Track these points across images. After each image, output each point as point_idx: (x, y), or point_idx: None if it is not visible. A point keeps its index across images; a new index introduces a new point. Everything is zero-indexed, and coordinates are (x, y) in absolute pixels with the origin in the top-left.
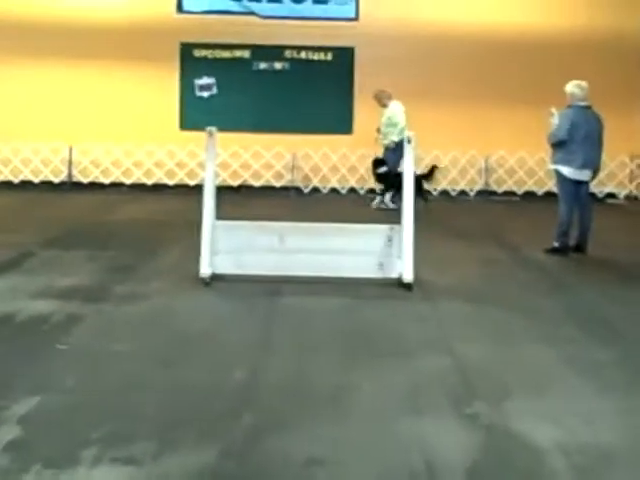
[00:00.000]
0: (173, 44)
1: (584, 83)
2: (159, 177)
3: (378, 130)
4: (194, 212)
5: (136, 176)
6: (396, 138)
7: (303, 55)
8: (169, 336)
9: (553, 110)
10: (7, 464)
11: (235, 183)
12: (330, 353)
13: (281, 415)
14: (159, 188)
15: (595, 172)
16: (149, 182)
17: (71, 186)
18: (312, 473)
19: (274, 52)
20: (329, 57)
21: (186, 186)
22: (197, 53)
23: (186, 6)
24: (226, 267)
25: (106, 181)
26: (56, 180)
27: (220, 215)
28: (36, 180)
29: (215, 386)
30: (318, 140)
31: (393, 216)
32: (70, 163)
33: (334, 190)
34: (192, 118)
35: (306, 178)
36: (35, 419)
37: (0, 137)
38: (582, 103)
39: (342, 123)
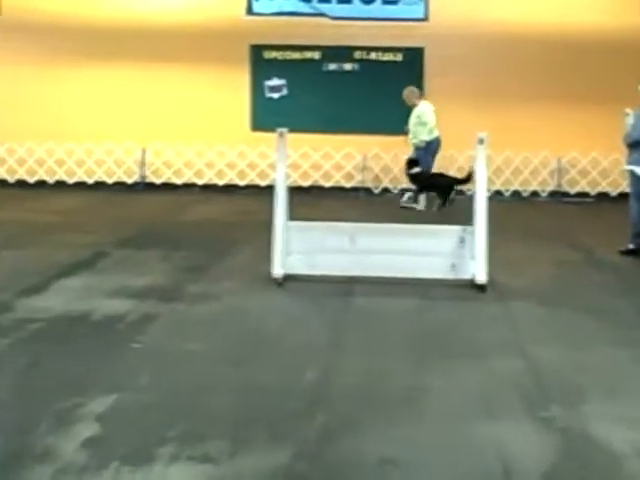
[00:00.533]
0: (243, 46)
1: None
2: (230, 178)
3: (406, 130)
4: (265, 213)
5: (208, 177)
6: (427, 137)
7: (373, 56)
8: (242, 336)
9: (628, 110)
10: (85, 460)
11: (305, 184)
12: (402, 354)
13: (354, 416)
14: (230, 189)
15: None
16: (220, 183)
17: (144, 187)
18: (386, 474)
19: (344, 53)
20: (399, 58)
21: (257, 187)
22: (267, 55)
23: (256, 8)
24: (298, 267)
25: (178, 182)
26: (129, 181)
27: (291, 216)
28: (110, 181)
29: (287, 386)
30: (388, 141)
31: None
32: (143, 164)
33: (404, 191)
34: (263, 119)
35: (376, 179)
36: (112, 417)
37: (74, 138)
38: None
39: None
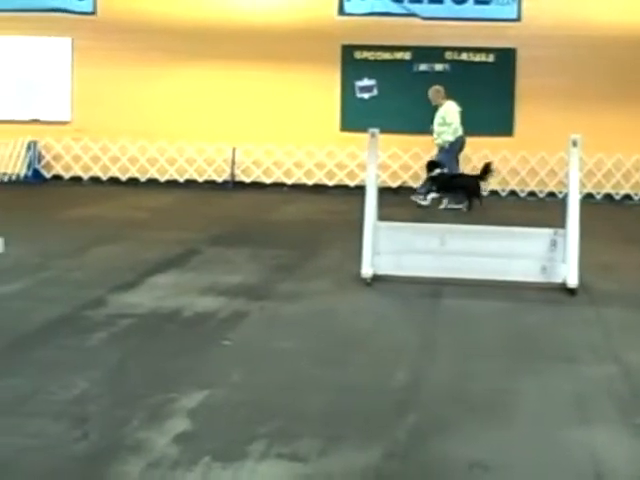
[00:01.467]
0: (334, 46)
1: None
2: (319, 178)
3: (431, 130)
4: (353, 212)
5: (297, 176)
6: (451, 137)
7: (464, 56)
8: (331, 335)
9: None
10: (177, 455)
11: (394, 184)
12: (492, 357)
13: (444, 417)
14: (319, 188)
15: None
16: (309, 182)
17: (233, 185)
18: (476, 477)
19: (435, 53)
20: (490, 58)
21: (346, 187)
22: (358, 55)
23: (347, 8)
24: (387, 268)
25: (267, 181)
26: (219, 179)
27: (380, 216)
28: (200, 179)
29: (378, 386)
30: (478, 142)
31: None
32: (233, 163)
33: (494, 192)
34: (352, 119)
35: None
36: (203, 412)
37: (166, 137)
38: None
39: (503, 125)
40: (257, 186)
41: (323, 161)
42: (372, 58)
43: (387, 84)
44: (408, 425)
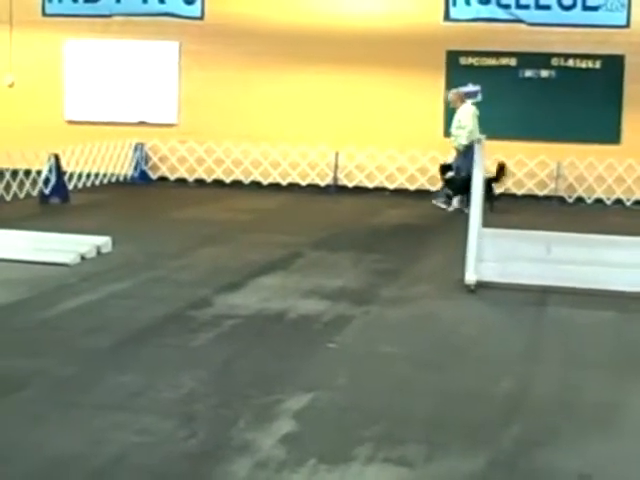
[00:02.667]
0: (439, 52)
1: None
2: (421, 183)
3: (450, 133)
4: (456, 218)
5: (399, 181)
6: (465, 141)
7: (570, 63)
8: (435, 341)
9: None
10: (284, 456)
11: (497, 191)
12: (598, 367)
13: (550, 428)
14: (421, 194)
15: None
16: (411, 187)
17: (336, 190)
18: None
19: (540, 60)
20: (597, 65)
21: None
22: (463, 61)
23: (453, 14)
24: (491, 275)
25: (370, 185)
26: (322, 183)
27: (483, 222)
28: (303, 183)
29: (482, 393)
30: (584, 149)
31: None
32: (336, 167)
33: (599, 201)
34: None
35: (570, 188)
36: (309, 415)
37: (270, 140)
38: None
39: (610, 132)
40: (359, 190)
41: (426, 166)
42: (477, 64)
43: (492, 90)
44: (514, 434)
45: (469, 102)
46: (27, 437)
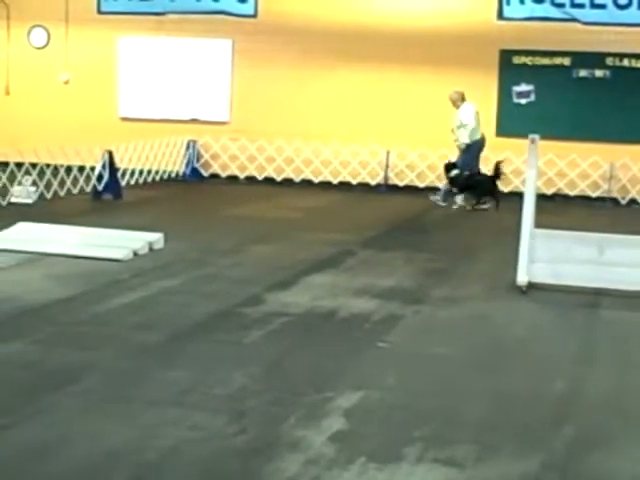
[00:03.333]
0: (492, 50)
1: None
2: None
3: (452, 131)
4: (507, 219)
5: None
6: (467, 140)
7: (625, 62)
8: (486, 342)
9: None
10: (334, 454)
11: (549, 191)
12: None
13: (603, 431)
14: None
15: None
16: None
17: (387, 188)
18: None
19: (595, 59)
20: None
21: (500, 193)
22: (516, 60)
23: (507, 13)
24: (543, 276)
25: (421, 185)
26: (373, 182)
27: (535, 223)
28: (354, 182)
29: (534, 395)
30: (638, 150)
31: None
32: (387, 166)
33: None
34: (508, 125)
35: (623, 189)
36: (359, 413)
37: (321, 139)
38: None
39: None
40: (410, 190)
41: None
42: (530, 63)
43: (545, 90)
44: (566, 437)
45: (469, 101)
46: (81, 430)
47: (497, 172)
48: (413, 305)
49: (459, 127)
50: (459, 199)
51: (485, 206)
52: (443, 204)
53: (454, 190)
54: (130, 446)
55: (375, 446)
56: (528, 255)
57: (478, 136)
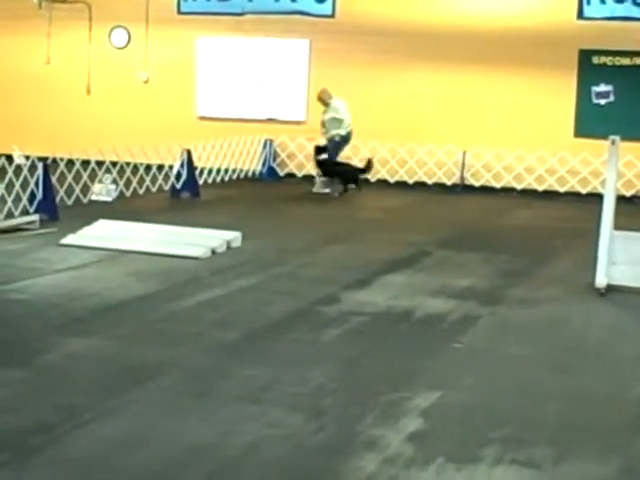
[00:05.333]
0: (572, 50)
1: None
2: (550, 184)
3: (323, 125)
4: (585, 220)
5: (527, 182)
6: (343, 132)
7: None
8: (564, 343)
9: None
10: (411, 453)
11: (628, 193)
12: None
13: None
14: (549, 195)
15: None
16: (539, 188)
17: (462, 189)
18: None
19: None
20: None
21: (577, 194)
22: (596, 60)
23: (587, 12)
24: (622, 278)
25: (497, 185)
26: (448, 182)
27: (614, 225)
28: (429, 182)
29: (613, 398)
30: None
31: None
32: (463, 166)
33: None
34: (587, 125)
35: None
36: (436, 413)
37: (397, 139)
38: None
39: None
40: (486, 190)
41: (555, 167)
42: (610, 63)
43: (625, 90)
44: None
45: (338, 97)
46: (160, 425)
47: (367, 166)
48: (489, 306)
49: (333, 120)
50: (319, 182)
51: (327, 190)
52: (327, 191)
53: (319, 173)
54: (209, 442)
55: (453, 446)
56: (607, 257)
57: (350, 129)
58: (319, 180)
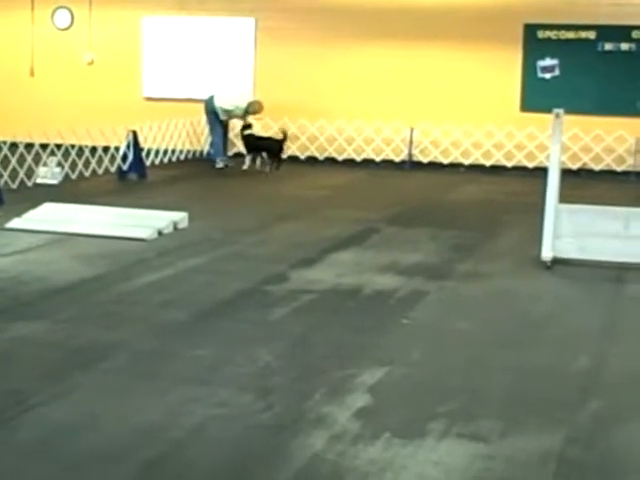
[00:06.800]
0: (517, 25)
1: None
2: (497, 159)
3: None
4: (532, 194)
5: (474, 157)
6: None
7: None
8: (511, 317)
9: None
10: (358, 430)
11: (574, 166)
12: None
13: (628, 405)
14: (497, 169)
15: None
16: (487, 163)
17: (411, 165)
18: None
19: (620, 32)
20: None
21: (524, 168)
22: (541, 34)
23: None
24: (567, 251)
25: (445, 161)
26: (396, 159)
27: (560, 198)
28: (377, 159)
29: (559, 370)
30: None
31: None
32: (411, 143)
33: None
34: (533, 100)
35: None
36: (383, 389)
37: (345, 117)
38: None
39: None
40: (434, 166)
41: (502, 142)
42: (555, 37)
43: (570, 64)
44: (591, 411)
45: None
46: (109, 407)
47: (284, 137)
48: (437, 281)
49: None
50: (247, 161)
51: (245, 166)
52: (253, 165)
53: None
54: (157, 423)
55: (399, 422)
56: (553, 230)
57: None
58: (247, 157)
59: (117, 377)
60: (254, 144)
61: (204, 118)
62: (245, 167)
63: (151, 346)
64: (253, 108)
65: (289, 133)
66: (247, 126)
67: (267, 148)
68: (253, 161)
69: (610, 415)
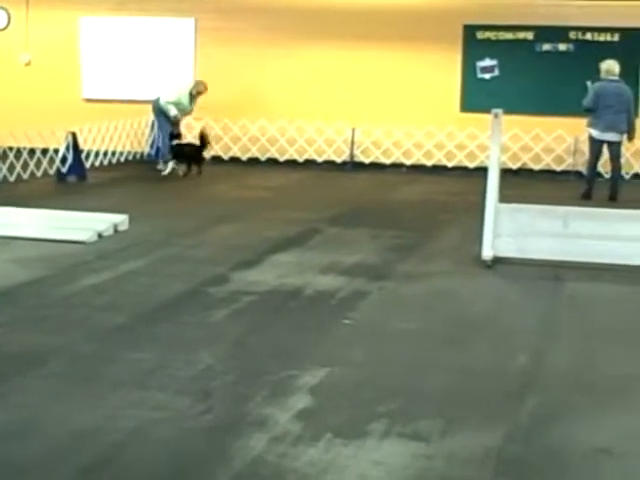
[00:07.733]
0: (456, 26)
1: None
2: (438, 159)
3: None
4: (473, 194)
5: (416, 157)
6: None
7: (589, 36)
8: (451, 316)
9: None
10: (299, 431)
11: (514, 166)
12: (615, 341)
13: (566, 401)
14: (438, 169)
15: None
16: (428, 163)
17: (352, 166)
18: (599, 463)
19: (558, 33)
20: (616, 38)
21: (465, 168)
22: (480, 35)
23: None
24: (508, 250)
25: (386, 162)
26: (338, 160)
27: (500, 198)
28: (319, 159)
29: (498, 369)
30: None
31: None
32: (352, 143)
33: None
34: (473, 100)
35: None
36: (325, 390)
37: (286, 117)
38: None
39: None
40: (376, 167)
41: (442, 142)
42: (494, 38)
43: (509, 64)
44: (530, 408)
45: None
46: (46, 412)
47: (203, 142)
48: (378, 281)
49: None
50: (169, 166)
51: (166, 172)
52: (165, 173)
53: (169, 157)
54: (94, 428)
55: (341, 422)
56: (493, 230)
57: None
58: (170, 163)
59: (54, 382)
60: (177, 151)
61: (150, 119)
62: (165, 173)
63: (90, 350)
64: (198, 89)
65: (213, 133)
66: (176, 135)
67: (187, 155)
68: (175, 167)
69: (549, 412)
